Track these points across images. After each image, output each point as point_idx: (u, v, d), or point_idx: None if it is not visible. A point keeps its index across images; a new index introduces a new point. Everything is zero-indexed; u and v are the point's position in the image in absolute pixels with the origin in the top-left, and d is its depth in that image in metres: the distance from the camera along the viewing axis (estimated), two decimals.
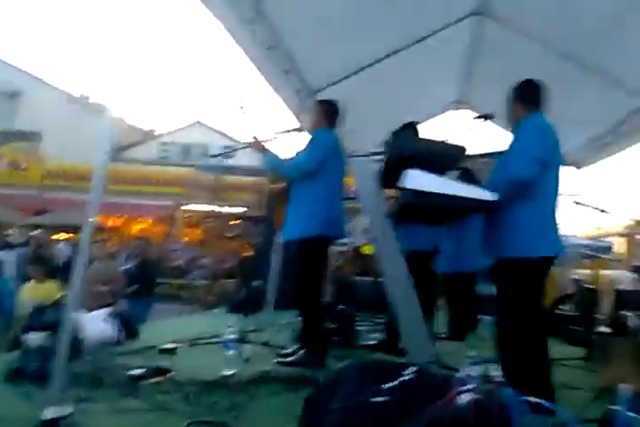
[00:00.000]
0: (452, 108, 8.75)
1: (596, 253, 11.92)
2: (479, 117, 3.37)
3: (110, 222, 21.14)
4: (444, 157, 3.19)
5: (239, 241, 12.83)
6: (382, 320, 5.02)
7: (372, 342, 4.62)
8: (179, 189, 20.48)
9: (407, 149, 3.08)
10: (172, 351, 3.79)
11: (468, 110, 8.21)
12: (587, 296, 6.52)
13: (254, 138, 3.99)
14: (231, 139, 23.24)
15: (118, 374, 2.99)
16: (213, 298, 9.13)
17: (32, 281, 5.52)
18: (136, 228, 21.95)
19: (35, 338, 2.98)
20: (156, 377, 2.97)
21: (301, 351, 3.76)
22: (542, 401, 1.22)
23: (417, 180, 2.93)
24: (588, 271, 7.02)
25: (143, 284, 6.70)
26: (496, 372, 1.30)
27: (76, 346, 3.27)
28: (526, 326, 2.89)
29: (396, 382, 1.31)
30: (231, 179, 20.13)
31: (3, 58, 26.65)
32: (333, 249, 9.20)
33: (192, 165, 21.58)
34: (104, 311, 4.07)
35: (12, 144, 22.89)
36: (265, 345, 4.27)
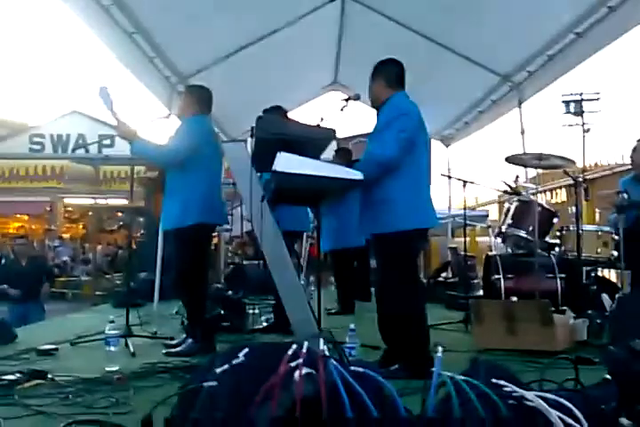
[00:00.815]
0: (326, 92, 8.94)
1: (473, 222, 12.71)
2: (347, 100, 3.47)
3: None
4: (314, 140, 3.26)
5: (122, 233, 12.41)
6: (272, 302, 5.10)
7: (261, 326, 4.68)
8: (56, 183, 19.39)
9: (275, 132, 3.12)
10: (51, 353, 3.64)
11: (341, 93, 8.41)
12: (463, 263, 6.96)
13: (119, 123, 3.83)
14: (111, 127, 22.23)
15: None
16: (100, 293, 8.81)
17: None
18: (13, 226, 20.62)
19: None
20: (32, 381, 2.84)
21: (188, 340, 3.74)
22: (369, 372, 1.31)
23: (287, 162, 2.98)
24: (465, 240, 7.51)
25: (34, 284, 6.41)
26: (323, 346, 1.37)
27: None
28: (404, 298, 3.05)
29: (227, 366, 1.36)
30: (110, 169, 19.33)
31: None
32: (225, 235, 9.18)
33: (68, 158, 20.49)
34: None
35: None
36: (152, 338, 4.21)
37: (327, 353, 1.32)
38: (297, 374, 1.21)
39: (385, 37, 6.11)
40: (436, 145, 8.48)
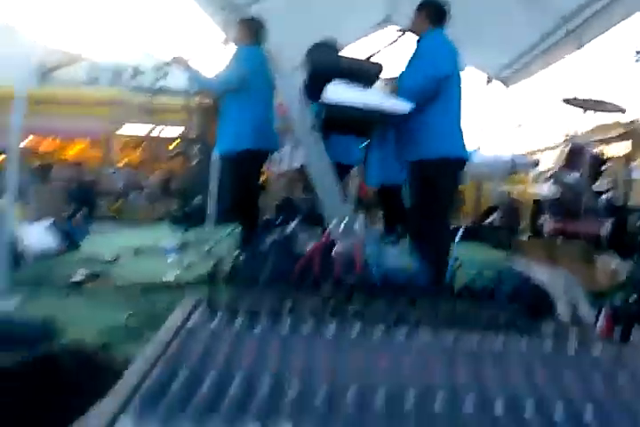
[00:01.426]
0: (380, 29, 8.80)
1: (523, 168, 12.56)
2: (400, 31, 3.53)
3: (43, 147, 20.45)
4: (364, 73, 3.35)
5: (177, 161, 12.75)
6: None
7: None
8: (112, 111, 19.80)
9: (326, 64, 3.23)
10: (113, 260, 3.98)
11: (397, 26, 8.26)
12: (510, 207, 7.03)
13: (176, 55, 4.03)
14: (167, 59, 22.22)
15: (60, 280, 3.18)
16: (155, 217, 9.23)
17: None
18: (71, 152, 21.33)
19: None
20: (95, 282, 3.17)
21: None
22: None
23: (336, 93, 3.10)
24: (514, 185, 7.52)
25: (81, 206, 6.79)
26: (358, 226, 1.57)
27: (17, 256, 3.43)
28: (436, 220, 3.20)
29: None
30: (166, 100, 19.59)
31: None
32: (275, 167, 9.34)
33: (126, 87, 20.82)
34: (44, 223, 4.18)
35: None
36: (207, 254, 4.50)
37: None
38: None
39: None
40: (495, 85, 8.36)
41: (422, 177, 3.25)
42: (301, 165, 8.57)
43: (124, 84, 21.88)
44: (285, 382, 0.85)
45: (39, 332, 1.51)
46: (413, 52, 3.36)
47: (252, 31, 4.16)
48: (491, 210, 8.55)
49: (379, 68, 3.34)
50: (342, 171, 4.69)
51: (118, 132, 20.02)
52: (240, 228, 4.23)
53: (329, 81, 3.15)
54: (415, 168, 3.30)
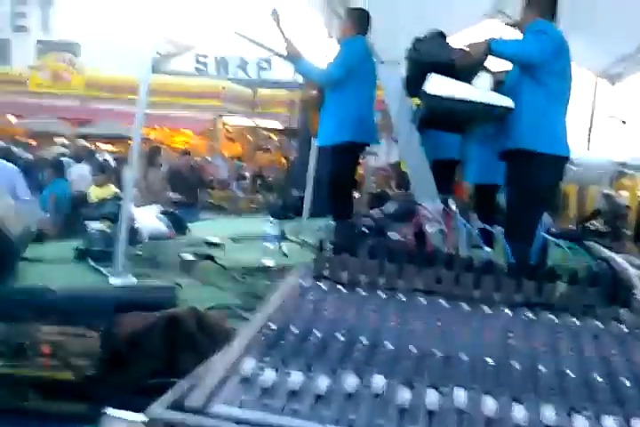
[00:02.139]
0: (488, 18, 8.58)
1: (634, 170, 11.83)
2: (508, 25, 3.49)
3: (152, 135, 21.62)
4: (467, 65, 3.34)
5: (277, 153, 13.14)
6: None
7: None
8: (217, 102, 20.59)
9: (428, 55, 3.25)
10: (218, 245, 4.22)
11: (500, 21, 8.05)
12: (616, 212, 6.71)
13: (287, 41, 4.16)
14: (271, 50, 22.73)
15: (171, 259, 3.44)
16: (254, 207, 9.60)
17: (94, 186, 6.25)
18: (179, 139, 22.43)
19: (96, 225, 3.42)
20: (204, 261, 3.41)
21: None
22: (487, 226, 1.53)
23: (438, 85, 3.13)
24: (621, 189, 7.18)
25: (188, 192, 7.20)
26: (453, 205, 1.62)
27: (133, 234, 3.73)
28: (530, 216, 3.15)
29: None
30: (267, 92, 20.09)
31: None
32: (370, 163, 9.42)
33: (229, 78, 21.56)
34: (155, 207, 4.51)
35: (51, 54, 23.08)
36: (302, 245, 4.67)
37: None
38: None
39: None
40: (600, 84, 7.98)
41: (522, 171, 3.21)
42: (397, 161, 8.63)
43: (229, 75, 22.70)
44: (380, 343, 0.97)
45: (163, 298, 1.69)
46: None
47: (357, 22, 4.20)
48: (595, 214, 8.20)
49: (484, 58, 3.31)
50: (447, 166, 4.66)
51: (222, 123, 20.86)
52: (334, 219, 4.34)
53: (432, 71, 3.18)
54: (515, 161, 3.24)
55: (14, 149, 16.87)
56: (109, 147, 18.82)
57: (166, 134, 22.02)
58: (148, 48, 3.28)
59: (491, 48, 3.11)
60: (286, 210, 6.04)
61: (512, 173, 3.28)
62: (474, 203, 6.20)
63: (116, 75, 21.18)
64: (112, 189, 6.22)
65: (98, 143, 18.52)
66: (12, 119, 20.61)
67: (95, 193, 6.38)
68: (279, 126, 17.63)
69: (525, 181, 3.13)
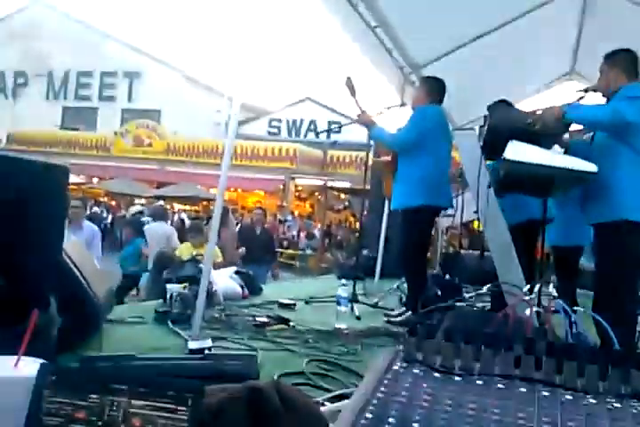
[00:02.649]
0: (564, 81, 8.54)
1: None
2: (585, 91, 3.44)
3: (227, 196, 22.36)
4: (546, 130, 3.30)
5: (345, 213, 13.26)
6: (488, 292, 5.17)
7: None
8: (288, 164, 21.24)
9: (507, 121, 3.24)
10: (291, 306, 4.23)
11: (579, 82, 7.99)
12: None
13: (362, 111, 4.26)
14: (340, 114, 23.50)
15: (246, 321, 3.46)
16: (324, 266, 9.63)
17: (187, 244, 6.30)
18: (251, 200, 23.13)
19: (175, 287, 3.50)
20: (278, 325, 3.40)
21: (408, 313, 4.07)
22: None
23: (518, 151, 3.10)
24: None
25: (263, 250, 7.31)
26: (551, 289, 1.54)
27: (210, 296, 3.79)
28: (623, 289, 2.97)
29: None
30: (337, 154, 20.56)
31: (124, 39, 28.48)
32: (443, 223, 9.34)
33: (301, 141, 22.31)
34: (230, 269, 4.60)
35: (135, 121, 24.61)
36: (374, 307, 4.61)
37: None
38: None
39: (632, 24, 5.71)
40: None
41: (610, 241, 3.06)
42: (469, 221, 8.50)
43: (301, 137, 23.47)
44: None
45: (246, 368, 1.68)
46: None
47: (431, 91, 4.27)
48: None
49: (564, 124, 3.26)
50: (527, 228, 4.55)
51: (293, 184, 21.42)
52: (406, 283, 4.28)
53: (510, 137, 3.16)
54: (602, 231, 3.10)
55: (96, 209, 17.87)
56: (186, 207, 19.57)
57: (240, 195, 22.78)
58: (227, 114, 3.40)
59: (564, 115, 3.05)
60: (357, 270, 6.01)
61: (608, 242, 3.06)
62: (555, 266, 6.00)
63: (193, 139, 22.33)
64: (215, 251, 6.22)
65: (174, 204, 19.32)
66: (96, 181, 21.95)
67: (186, 251, 6.14)
68: (349, 186, 17.90)
69: (624, 250, 2.96)
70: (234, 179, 20.85)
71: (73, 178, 21.71)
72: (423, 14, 5.43)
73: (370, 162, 5.83)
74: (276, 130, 26.83)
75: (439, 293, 4.78)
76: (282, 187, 20.94)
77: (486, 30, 6.21)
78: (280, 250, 14.00)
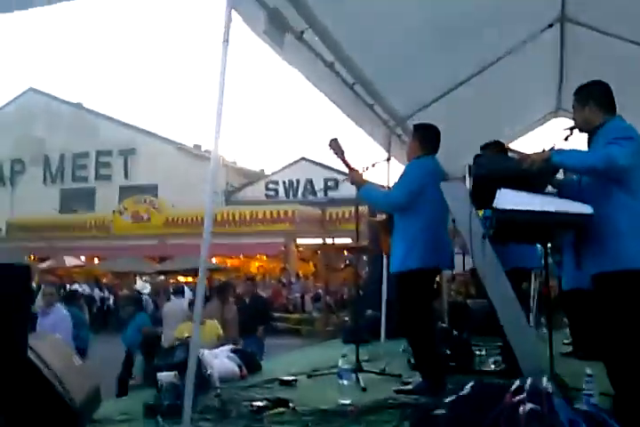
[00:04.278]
0: (549, 119, 8.52)
1: None
2: (571, 129, 3.32)
3: (229, 262, 22.18)
4: (535, 174, 3.15)
5: (348, 272, 13.02)
6: (499, 344, 4.93)
7: (489, 369, 4.54)
8: (288, 226, 21.18)
9: (493, 169, 3.11)
10: (291, 383, 3.96)
11: (565, 119, 7.97)
12: None
13: (351, 170, 4.03)
14: (337, 171, 23.64)
15: (243, 407, 3.20)
16: (330, 329, 9.31)
17: (189, 323, 5.90)
18: (254, 265, 22.91)
19: (166, 376, 3.25)
20: (277, 408, 3.14)
21: (418, 379, 3.78)
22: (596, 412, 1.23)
23: (508, 199, 2.95)
24: None
25: (255, 321, 7.05)
26: (547, 384, 1.33)
27: (204, 381, 3.54)
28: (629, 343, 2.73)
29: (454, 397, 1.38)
30: (335, 211, 20.49)
31: (115, 116, 29.14)
32: (449, 272, 9.10)
33: (299, 202, 22.35)
34: (227, 348, 4.35)
35: (132, 198, 24.75)
36: (381, 374, 4.33)
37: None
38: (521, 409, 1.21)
39: (612, 57, 5.71)
40: None
41: (609, 293, 2.81)
42: (472, 268, 8.24)
43: (298, 198, 23.53)
44: None
45: None
46: (593, 145, 3.01)
47: (424, 140, 4.07)
48: None
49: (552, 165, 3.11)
50: (520, 275, 4.36)
51: (294, 245, 21.25)
52: (411, 347, 4.00)
53: (499, 185, 3.02)
54: (605, 282, 2.83)
55: (97, 291, 17.65)
56: (188, 279, 19.32)
57: (242, 261, 22.57)
58: (218, 180, 3.27)
59: (551, 159, 2.91)
60: (360, 333, 5.74)
61: (613, 294, 2.81)
62: (564, 310, 5.74)
63: (191, 210, 22.36)
64: (215, 326, 5.91)
65: (178, 277, 19.09)
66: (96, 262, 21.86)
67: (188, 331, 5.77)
68: (350, 244, 17.72)
69: (632, 302, 2.73)
70: (235, 246, 20.74)
71: (74, 260, 21.67)
72: (400, 67, 5.42)
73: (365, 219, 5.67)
74: (273, 192, 26.99)
75: (448, 351, 4.52)
76: (283, 249, 20.77)
77: (468, 75, 6.20)
78: (286, 315, 13.67)
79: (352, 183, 4.16)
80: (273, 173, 28.44)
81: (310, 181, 25.21)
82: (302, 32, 4.11)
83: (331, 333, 8.92)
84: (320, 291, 15.12)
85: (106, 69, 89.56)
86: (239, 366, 4.15)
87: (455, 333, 5.48)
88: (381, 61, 5.23)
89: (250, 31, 3.69)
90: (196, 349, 2.92)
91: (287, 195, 26.05)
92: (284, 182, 26.94)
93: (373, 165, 4.42)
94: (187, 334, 5.09)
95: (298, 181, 25.83)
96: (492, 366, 4.61)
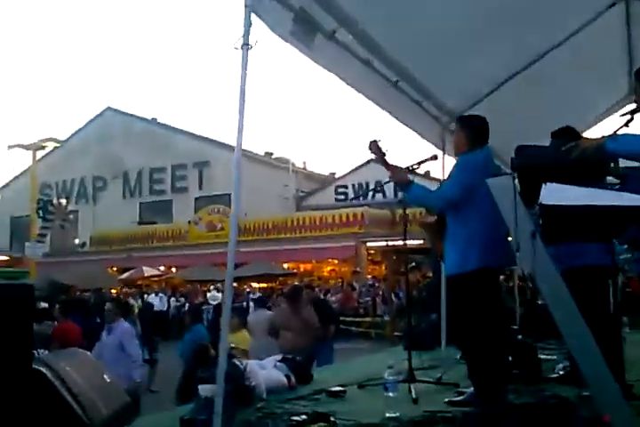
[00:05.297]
0: (623, 105, 7.93)
1: None
2: (626, 114, 3.01)
3: (302, 267, 22.27)
4: (587, 164, 2.86)
5: (415, 274, 12.68)
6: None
7: (557, 375, 4.21)
8: (357, 229, 20.99)
9: (538, 161, 2.85)
10: (340, 394, 3.80)
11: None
12: None
13: (394, 169, 3.79)
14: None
15: (281, 421, 3.07)
16: (397, 334, 9.07)
17: (244, 333, 5.89)
18: (326, 269, 22.86)
19: (205, 389, 3.17)
20: (316, 423, 2.99)
21: (471, 389, 3.53)
22: None
23: (555, 193, 2.68)
24: None
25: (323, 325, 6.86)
26: None
27: (247, 394, 3.44)
28: None
29: None
30: (407, 211, 20.09)
31: (189, 130, 29.99)
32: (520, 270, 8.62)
33: (368, 204, 22.13)
34: (274, 358, 4.24)
35: (206, 208, 25.33)
36: (436, 383, 4.10)
37: None
38: None
39: None
40: None
41: None
42: None
43: (367, 200, 23.31)
44: None
45: None
46: None
47: (471, 132, 3.80)
48: None
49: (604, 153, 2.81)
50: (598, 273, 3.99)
51: (365, 247, 21.03)
52: (466, 356, 3.74)
53: (545, 179, 2.76)
54: None
55: (173, 300, 18.07)
56: (262, 285, 19.56)
57: (315, 266, 22.60)
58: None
59: (604, 147, 2.62)
60: (423, 338, 5.49)
61: None
62: None
63: (263, 217, 22.63)
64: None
65: (251, 283, 19.32)
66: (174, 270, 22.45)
67: (243, 342, 5.72)
68: (419, 245, 17.28)
69: None
70: (305, 251, 20.79)
71: (152, 270, 22.36)
72: (447, 59, 5.13)
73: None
74: (343, 196, 26.92)
75: (510, 357, 4.22)
76: (354, 252, 20.60)
77: (524, 65, 5.82)
78: (357, 319, 13.48)
79: (396, 184, 3.96)
80: (341, 177, 28.38)
81: (379, 183, 24.94)
82: (334, 31, 3.95)
83: (398, 338, 8.69)
84: (391, 294, 14.87)
85: (176, 83, 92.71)
86: (288, 377, 4.02)
87: (520, 337, 5.15)
88: (425, 55, 4.97)
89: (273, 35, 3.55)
90: (223, 359, 2.82)
91: (357, 198, 25.91)
92: (353, 185, 26.82)
93: (419, 164, 4.16)
94: (233, 345, 5.06)
95: (367, 184, 25.61)
96: (561, 372, 4.28)
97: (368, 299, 15.67)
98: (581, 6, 5.22)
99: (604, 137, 2.77)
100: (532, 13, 4.83)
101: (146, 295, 17.07)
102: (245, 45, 3.06)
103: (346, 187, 27.33)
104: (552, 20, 5.20)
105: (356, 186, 26.68)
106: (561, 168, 2.89)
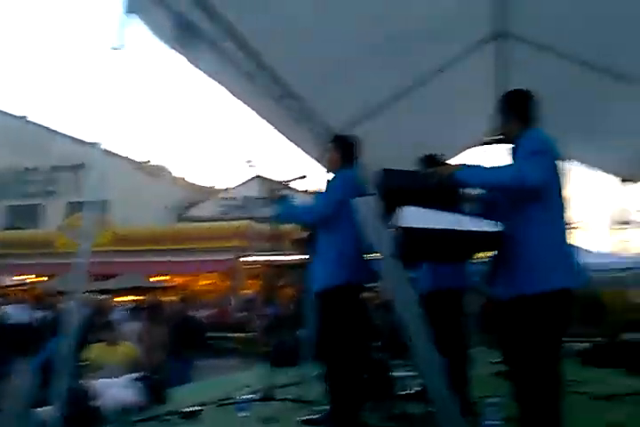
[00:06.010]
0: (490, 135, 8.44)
1: None
2: (486, 142, 3.20)
3: (178, 280, 21.60)
4: (443, 189, 2.98)
5: (288, 290, 12.74)
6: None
7: (406, 392, 4.33)
8: (239, 242, 20.74)
9: (395, 184, 2.94)
10: (195, 414, 3.67)
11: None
12: None
13: (269, 188, 3.82)
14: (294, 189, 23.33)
15: None
16: (266, 350, 8.98)
17: (102, 344, 5.38)
18: (203, 283, 22.32)
19: (41, 412, 2.93)
20: None
21: (327, 408, 3.53)
22: None
23: (409, 217, 2.77)
24: None
25: (183, 344, 6.72)
26: None
27: (90, 416, 3.22)
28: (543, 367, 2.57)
29: None
30: (289, 227, 20.20)
31: (66, 132, 28.42)
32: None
33: (249, 218, 22.00)
34: (126, 377, 4.01)
35: (77, 214, 23.94)
36: (296, 401, 4.07)
37: None
38: None
39: (550, 70, 5.67)
40: (613, 183, 7.63)
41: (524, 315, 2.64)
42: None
43: (252, 214, 23.18)
44: None
45: None
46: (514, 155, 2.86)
47: (342, 152, 3.88)
48: (630, 325, 7.35)
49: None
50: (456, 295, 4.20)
51: (243, 262, 20.81)
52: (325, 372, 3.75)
53: (405, 202, 2.84)
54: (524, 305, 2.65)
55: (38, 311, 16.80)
56: (130, 298, 18.69)
57: (192, 279, 22.01)
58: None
59: (454, 176, 2.75)
60: (290, 354, 5.45)
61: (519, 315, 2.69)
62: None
63: (139, 227, 21.79)
64: (129, 348, 5.30)
65: (123, 296, 18.43)
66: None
67: (104, 355, 4.95)
68: (297, 260, 17.39)
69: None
70: (183, 263, 20.23)
71: (15, 279, 20.71)
72: (332, 81, 5.23)
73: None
74: (226, 208, 26.64)
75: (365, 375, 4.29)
76: (233, 266, 20.36)
77: (400, 91, 6.05)
78: (230, 334, 13.24)
79: (271, 200, 3.93)
80: (227, 190, 28.11)
81: (263, 197, 24.91)
82: (215, 40, 3.88)
83: (267, 353, 8.60)
84: (267, 309, 14.78)
85: (49, 81, 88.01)
86: (139, 396, 3.82)
87: (381, 354, 5.26)
88: (310, 74, 5.04)
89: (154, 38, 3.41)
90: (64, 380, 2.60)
91: (240, 211, 25.73)
92: (235, 199, 26.65)
93: (287, 183, 4.13)
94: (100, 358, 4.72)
95: (250, 198, 25.53)
96: (417, 388, 4.40)
97: (243, 314, 15.49)
98: (459, 39, 5.54)
99: (457, 166, 2.90)
100: (412, 43, 5.05)
101: (3, 306, 15.67)
102: (118, 48, 2.92)
103: (228, 199, 27.10)
104: (431, 50, 5.48)
105: (239, 199, 26.54)
106: (421, 192, 2.99)
